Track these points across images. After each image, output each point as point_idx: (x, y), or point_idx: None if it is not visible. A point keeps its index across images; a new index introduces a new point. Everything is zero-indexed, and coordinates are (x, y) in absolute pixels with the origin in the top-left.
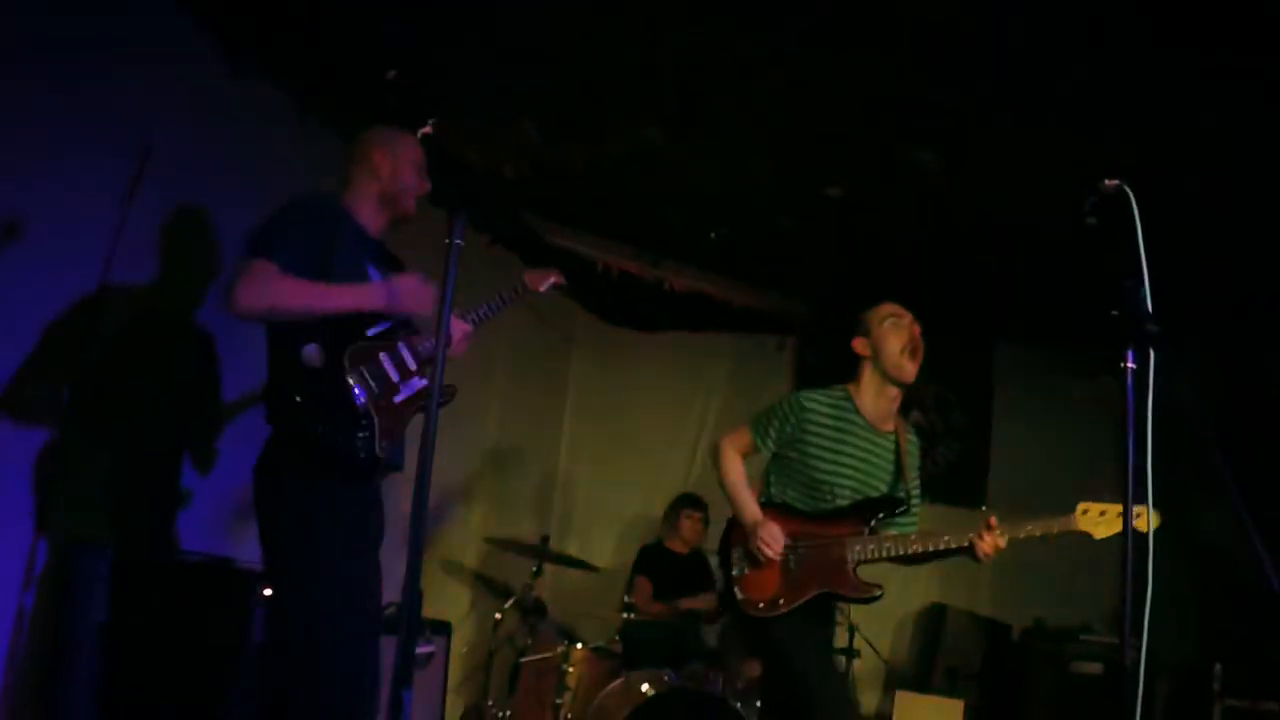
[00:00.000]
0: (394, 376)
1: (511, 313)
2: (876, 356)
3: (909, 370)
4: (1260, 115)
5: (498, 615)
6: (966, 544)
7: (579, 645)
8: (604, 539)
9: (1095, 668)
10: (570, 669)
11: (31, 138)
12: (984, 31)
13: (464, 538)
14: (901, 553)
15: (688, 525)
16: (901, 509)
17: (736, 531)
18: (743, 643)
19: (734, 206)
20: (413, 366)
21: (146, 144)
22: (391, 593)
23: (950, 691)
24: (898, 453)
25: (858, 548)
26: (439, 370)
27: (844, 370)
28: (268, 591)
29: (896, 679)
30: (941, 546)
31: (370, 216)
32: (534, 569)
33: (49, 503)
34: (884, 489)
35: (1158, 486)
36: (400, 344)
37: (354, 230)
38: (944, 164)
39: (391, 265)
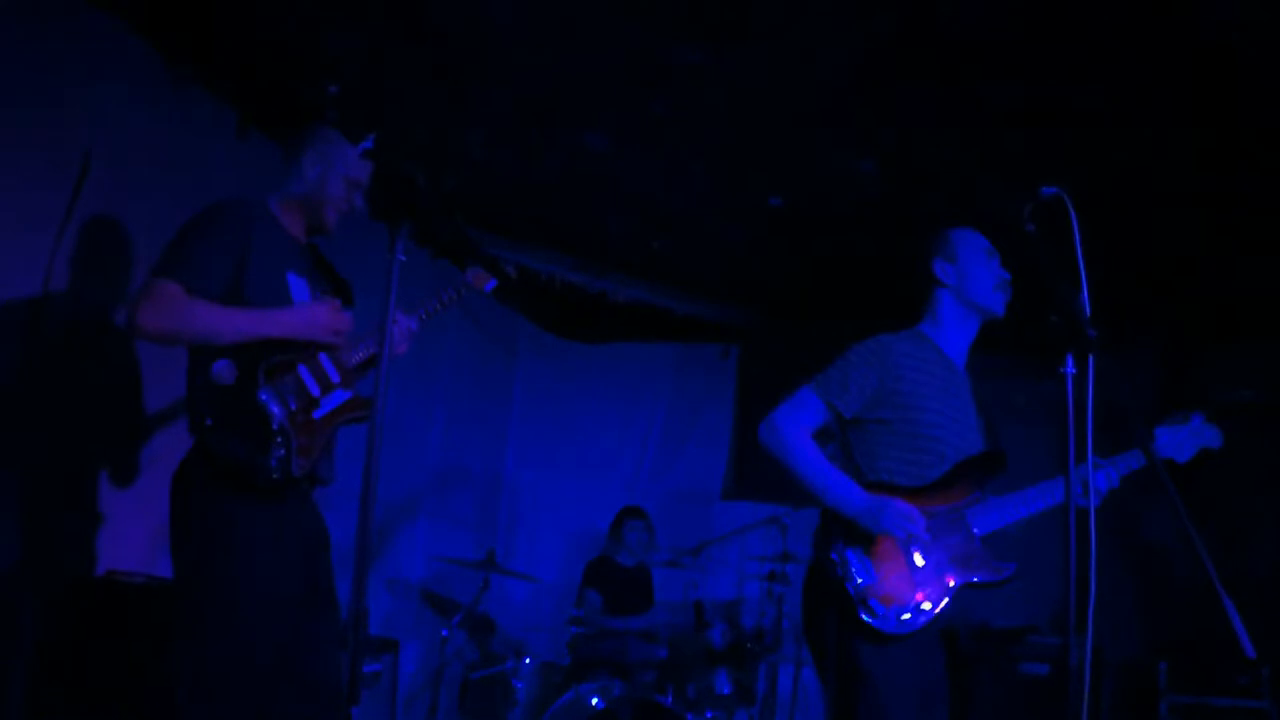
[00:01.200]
0: (314, 391)
1: (454, 325)
2: (963, 283)
3: (1002, 302)
4: (1198, 118)
5: (445, 631)
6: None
7: (528, 659)
8: (551, 552)
9: (1042, 669)
10: (520, 684)
11: None
12: (921, 39)
13: (409, 554)
14: (1025, 514)
15: (634, 537)
16: (1005, 466)
17: (837, 532)
18: (832, 660)
19: (675, 216)
20: (335, 379)
21: (86, 155)
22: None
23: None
24: (978, 402)
25: (981, 518)
26: (383, 381)
27: (787, 380)
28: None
29: None
30: (1063, 496)
31: (293, 220)
32: (481, 584)
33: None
34: (978, 441)
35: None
36: (321, 355)
37: (275, 234)
38: (883, 171)
39: (323, 270)
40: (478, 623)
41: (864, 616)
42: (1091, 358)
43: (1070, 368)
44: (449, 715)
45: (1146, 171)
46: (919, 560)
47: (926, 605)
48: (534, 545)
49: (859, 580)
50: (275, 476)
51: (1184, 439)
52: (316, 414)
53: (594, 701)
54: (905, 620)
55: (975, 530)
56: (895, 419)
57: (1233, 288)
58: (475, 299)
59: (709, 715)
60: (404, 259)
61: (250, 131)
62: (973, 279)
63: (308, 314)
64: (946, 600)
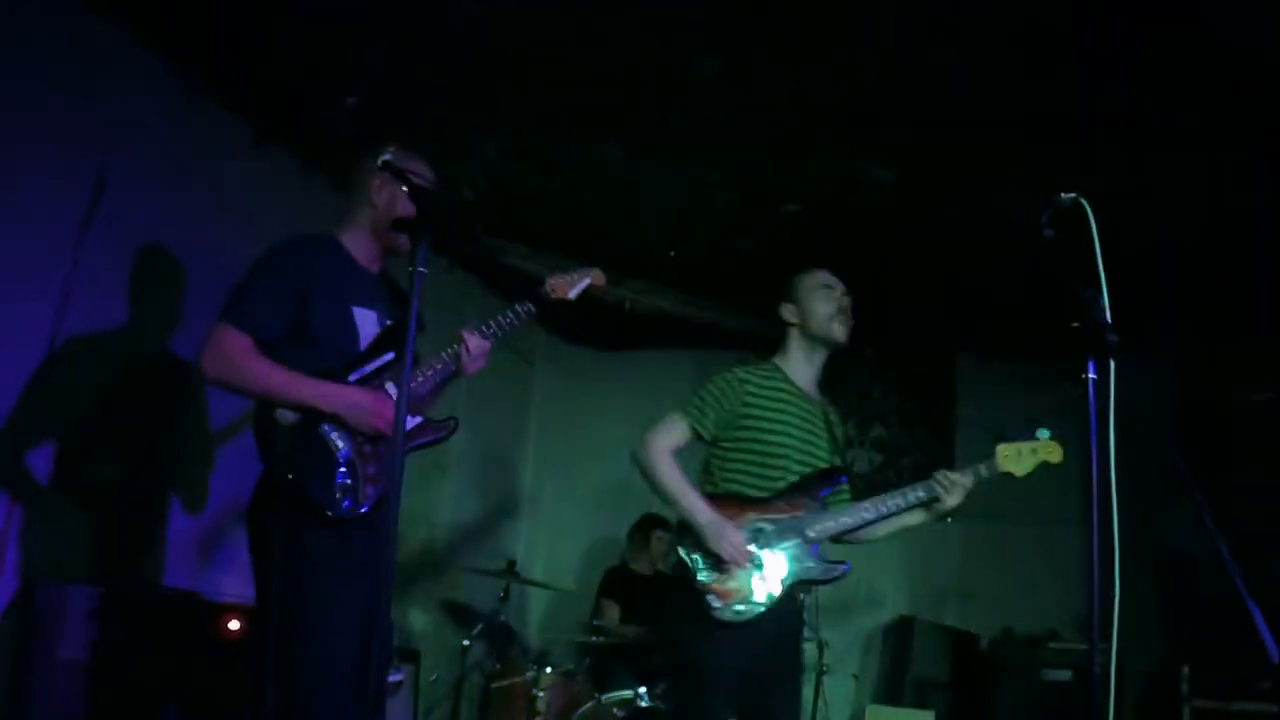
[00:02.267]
0: (379, 426)
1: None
2: (804, 322)
3: (838, 331)
4: (1218, 120)
5: (465, 641)
6: (921, 495)
7: (549, 669)
8: (571, 561)
9: (1064, 675)
10: (540, 693)
11: None
12: (939, 47)
13: (429, 563)
14: (859, 522)
15: (658, 546)
16: (845, 479)
17: (690, 537)
18: (672, 649)
19: (692, 224)
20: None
21: (101, 172)
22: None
23: (921, 704)
24: (828, 423)
25: (816, 526)
26: (403, 401)
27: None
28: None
29: (866, 694)
30: (899, 503)
31: (363, 248)
32: (501, 593)
33: (8, 537)
34: (825, 460)
35: (1121, 492)
36: (389, 384)
37: (342, 266)
38: (901, 179)
39: (395, 298)
40: (498, 632)
41: (706, 607)
42: (1113, 362)
43: (1092, 373)
44: None
45: (1165, 174)
46: (757, 561)
47: (760, 599)
48: (553, 554)
49: (701, 577)
50: (344, 507)
51: (1024, 453)
52: (366, 448)
53: (615, 710)
54: (740, 611)
55: (811, 535)
56: (746, 439)
57: (1253, 287)
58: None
59: None
60: (424, 271)
61: (267, 145)
62: (811, 314)
63: (361, 402)
64: (779, 593)
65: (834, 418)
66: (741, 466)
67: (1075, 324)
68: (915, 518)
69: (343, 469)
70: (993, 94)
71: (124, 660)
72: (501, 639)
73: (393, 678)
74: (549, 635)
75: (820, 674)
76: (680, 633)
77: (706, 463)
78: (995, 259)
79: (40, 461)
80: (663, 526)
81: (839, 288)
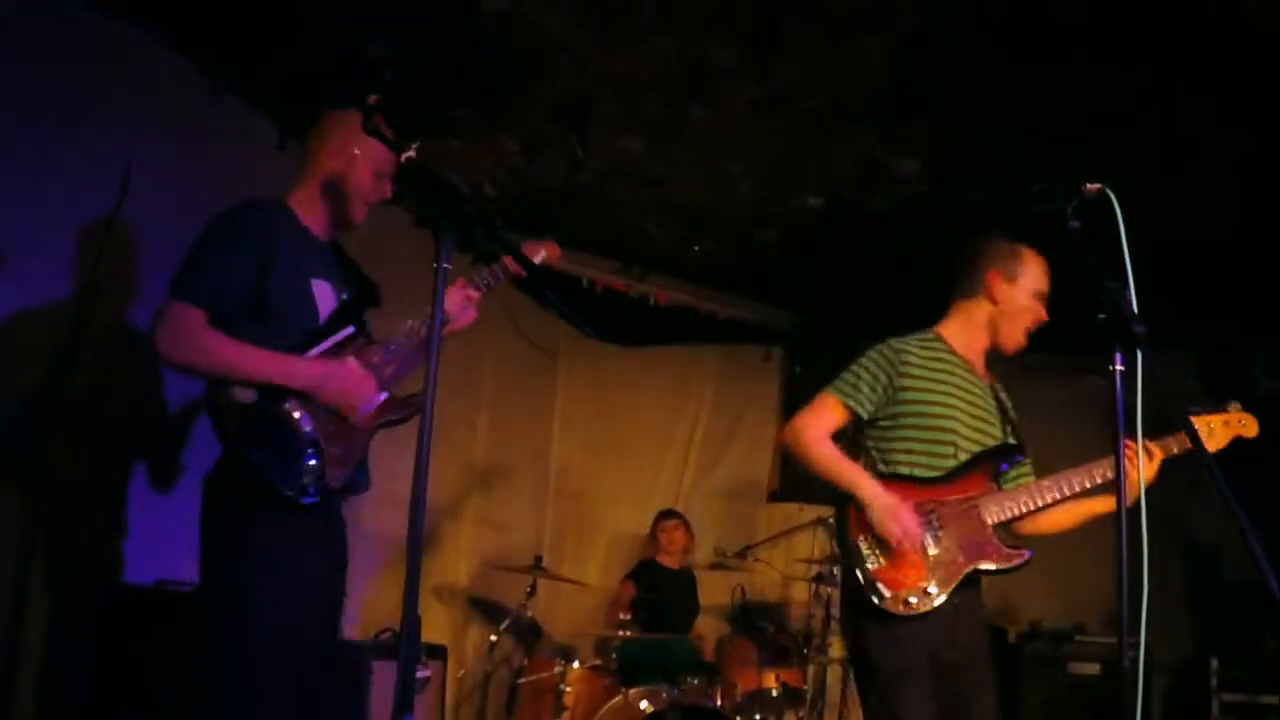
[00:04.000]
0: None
1: (496, 330)
2: (1003, 312)
3: (1017, 348)
4: (1243, 113)
5: (493, 637)
6: (1110, 475)
7: (576, 664)
8: (597, 556)
9: (1093, 668)
10: (568, 688)
11: (11, 165)
12: (963, 38)
13: (455, 559)
14: (1039, 505)
15: (665, 537)
16: (1024, 456)
17: (854, 520)
18: (854, 645)
19: (717, 218)
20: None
21: (126, 170)
22: (389, 619)
23: (987, 665)
24: (999, 399)
25: (994, 507)
26: (431, 387)
27: (831, 380)
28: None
29: None
30: (1079, 486)
31: (316, 215)
32: (528, 589)
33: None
34: (997, 436)
35: (1148, 485)
36: (350, 359)
37: (297, 237)
38: (925, 170)
39: (347, 269)
40: (525, 628)
41: (872, 599)
42: (1139, 354)
43: (1119, 364)
44: None
45: (1190, 165)
46: (930, 547)
47: (934, 589)
48: (580, 550)
49: (869, 565)
50: (309, 488)
51: (1215, 427)
52: (356, 417)
53: (642, 706)
54: (912, 603)
55: (988, 519)
56: (907, 415)
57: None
58: (517, 304)
59: (757, 718)
60: (449, 267)
61: (290, 143)
62: (1017, 313)
63: (335, 373)
64: (956, 584)
65: (1004, 397)
66: (905, 445)
67: (1101, 315)
68: (1107, 504)
69: (309, 450)
70: (1017, 84)
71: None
72: (528, 634)
73: (420, 674)
74: (576, 631)
75: (848, 664)
76: (855, 630)
77: (866, 448)
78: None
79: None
80: (668, 516)
81: (1046, 301)
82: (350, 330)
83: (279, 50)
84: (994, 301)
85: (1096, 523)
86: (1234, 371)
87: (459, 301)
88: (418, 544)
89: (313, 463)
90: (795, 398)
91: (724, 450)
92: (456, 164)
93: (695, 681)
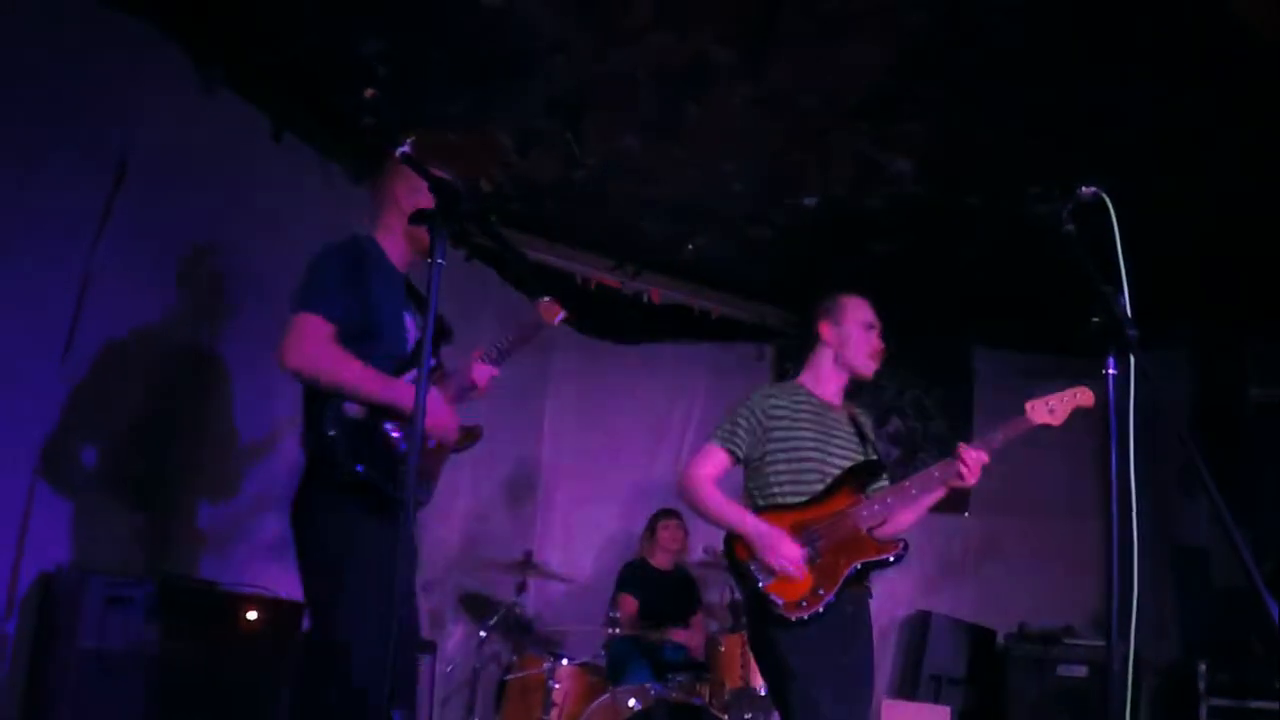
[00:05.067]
0: None
1: (487, 326)
2: (842, 349)
3: (870, 370)
4: (1238, 114)
5: (482, 633)
6: (954, 471)
7: (564, 661)
8: (587, 553)
9: (1080, 671)
10: (556, 685)
11: (4, 158)
12: (958, 39)
13: (445, 555)
14: (907, 499)
15: (666, 535)
16: (883, 470)
17: (739, 548)
18: (763, 657)
19: (711, 216)
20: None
21: (121, 165)
22: None
23: (936, 698)
24: (857, 424)
25: (865, 513)
26: (422, 388)
27: None
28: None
29: (882, 688)
30: (936, 480)
31: (398, 252)
32: (517, 585)
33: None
34: (857, 458)
35: (1140, 488)
36: (434, 390)
37: (385, 268)
38: (919, 171)
39: (417, 301)
40: (514, 624)
41: (772, 610)
42: (1133, 357)
43: (1111, 368)
44: (485, 716)
45: (1184, 168)
46: (814, 557)
47: (822, 590)
48: (570, 547)
49: (760, 584)
50: (394, 498)
51: (1056, 406)
52: (431, 442)
53: (631, 703)
54: (804, 607)
55: (860, 524)
56: (776, 451)
57: (1274, 283)
58: (508, 300)
59: (746, 717)
60: (443, 263)
61: (286, 136)
62: (850, 345)
63: (432, 405)
64: (842, 582)
65: (864, 419)
66: (777, 478)
67: (1095, 319)
68: (935, 497)
69: (402, 465)
70: (1013, 85)
71: (142, 649)
72: (518, 631)
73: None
74: (565, 627)
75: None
76: (765, 638)
77: (746, 487)
78: (1014, 251)
79: (58, 450)
80: (668, 515)
81: (878, 327)
82: (434, 362)
83: (274, 43)
84: (830, 344)
85: (1090, 525)
86: (1225, 379)
87: (486, 378)
88: (410, 544)
89: (399, 483)
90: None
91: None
92: (452, 159)
93: (683, 680)
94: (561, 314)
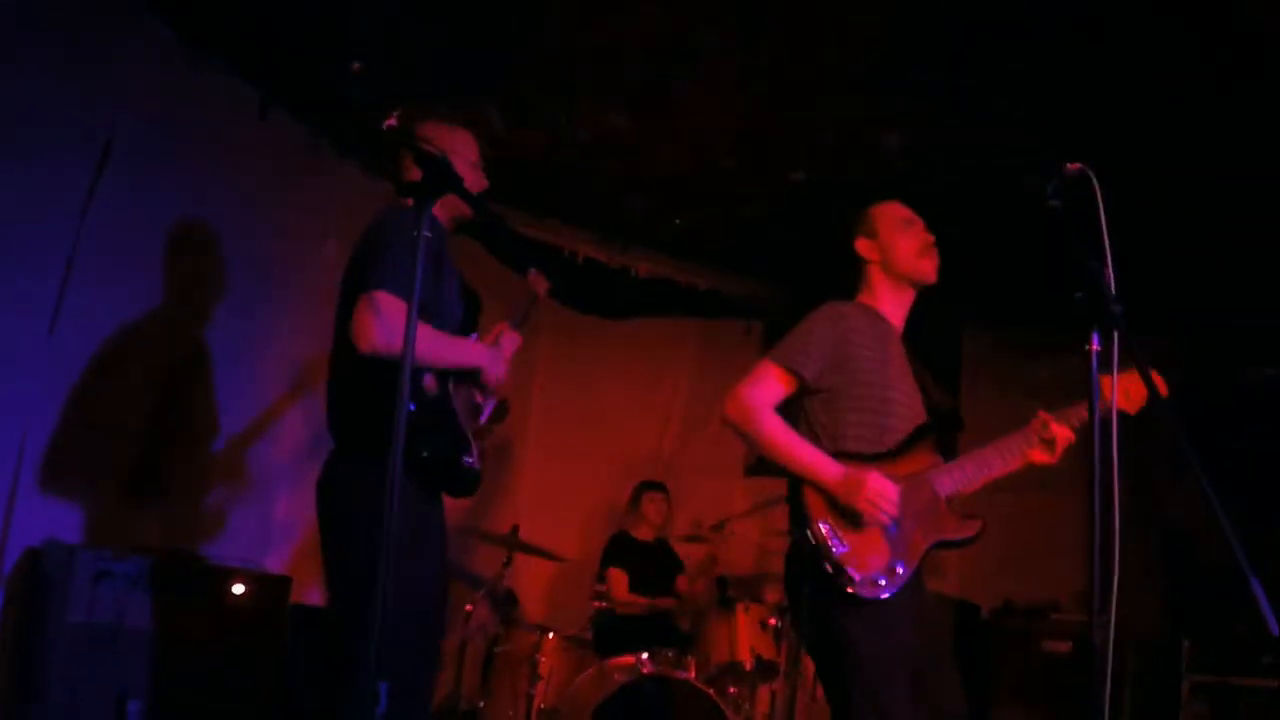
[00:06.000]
0: (478, 400)
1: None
2: (888, 258)
3: (928, 269)
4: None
5: (469, 606)
6: (1037, 443)
7: (551, 634)
8: (574, 527)
9: (1064, 646)
10: (543, 658)
11: None
12: (948, 13)
13: None
14: (986, 477)
15: (651, 508)
16: (961, 426)
17: (812, 503)
18: (823, 640)
19: (699, 191)
20: (483, 393)
21: (106, 141)
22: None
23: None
24: (911, 359)
25: (946, 480)
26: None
27: None
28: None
29: None
30: (1017, 456)
31: (440, 218)
32: (504, 559)
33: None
34: (919, 403)
35: (1125, 465)
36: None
37: (439, 242)
38: (907, 146)
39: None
40: (501, 597)
41: (844, 586)
42: (1116, 334)
43: (1095, 344)
44: (472, 690)
45: (1175, 147)
46: (890, 526)
47: (901, 568)
48: (557, 520)
49: (835, 552)
50: (469, 475)
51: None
52: (480, 420)
53: (616, 676)
54: (882, 584)
55: (940, 492)
56: (853, 383)
57: (1261, 263)
58: (495, 276)
59: (732, 690)
60: (429, 235)
61: (273, 111)
62: (896, 249)
63: (498, 353)
64: (919, 561)
65: (916, 359)
66: (854, 419)
67: (1079, 295)
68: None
69: (464, 442)
70: (1001, 61)
71: (130, 624)
72: (505, 604)
73: None
74: (552, 601)
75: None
76: (829, 622)
77: (806, 419)
78: (1003, 227)
79: (45, 427)
80: (653, 488)
81: (919, 223)
82: (475, 336)
83: (261, 17)
84: (875, 257)
85: (1077, 501)
86: (1216, 359)
87: (515, 346)
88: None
89: (469, 456)
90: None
91: (703, 423)
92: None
93: (670, 653)
94: (547, 284)
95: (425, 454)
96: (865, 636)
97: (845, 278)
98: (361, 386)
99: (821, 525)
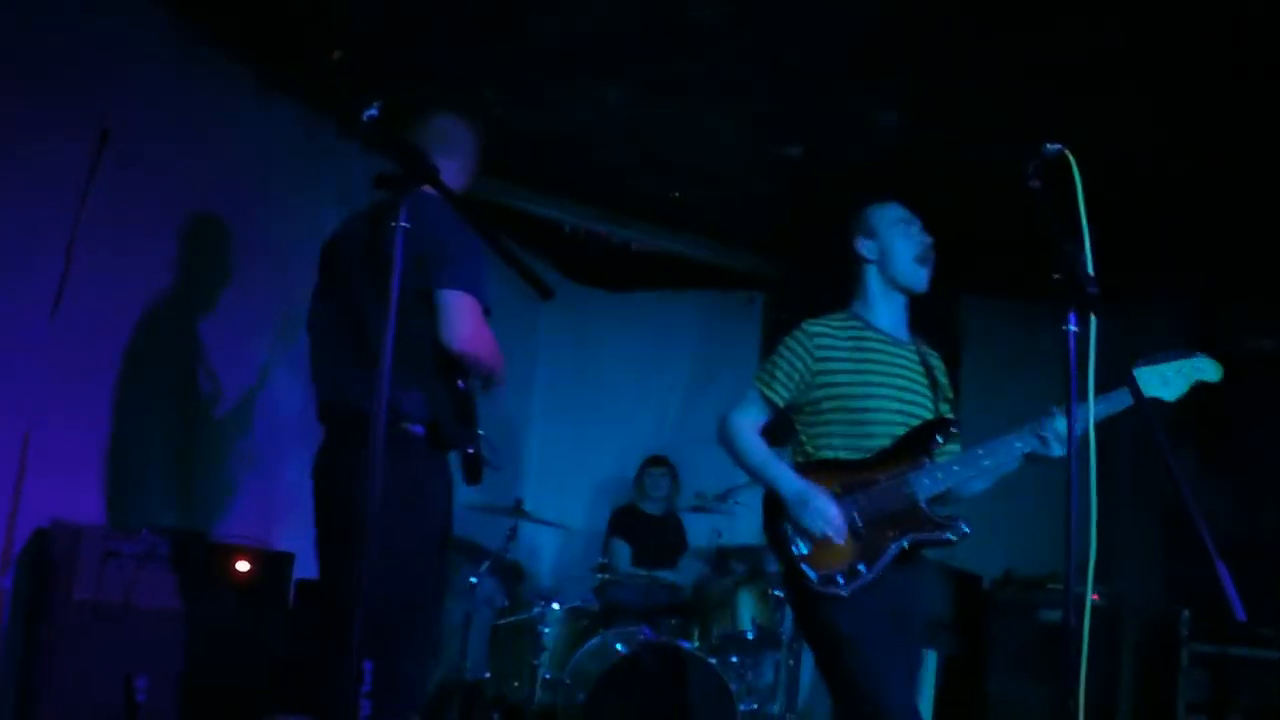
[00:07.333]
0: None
1: None
2: (884, 261)
3: (923, 277)
4: (1223, 71)
5: (473, 579)
6: (1039, 438)
7: (556, 605)
8: (578, 500)
9: (1059, 615)
10: (547, 630)
11: None
12: None
13: None
14: (972, 474)
15: (651, 483)
16: (955, 429)
17: (779, 510)
18: (805, 634)
19: (698, 167)
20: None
21: (104, 126)
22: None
23: (926, 644)
24: (928, 368)
25: (925, 481)
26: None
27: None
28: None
29: None
30: (1017, 452)
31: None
32: (509, 530)
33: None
34: (928, 408)
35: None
36: None
37: None
38: (905, 122)
39: None
40: (506, 569)
41: (804, 584)
42: (1094, 315)
43: (1073, 325)
44: (478, 660)
45: (1172, 125)
46: (860, 525)
47: (861, 568)
48: (561, 493)
49: (794, 551)
50: (484, 467)
51: (1170, 375)
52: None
53: (619, 646)
54: (840, 584)
55: (919, 493)
56: (829, 397)
57: (1257, 238)
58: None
59: (734, 660)
60: (407, 225)
61: (271, 94)
62: (893, 252)
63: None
64: (887, 559)
65: (934, 361)
66: (828, 430)
67: (1057, 275)
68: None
69: (480, 430)
70: (998, 37)
71: (137, 601)
72: (509, 576)
73: None
74: (556, 573)
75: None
76: (802, 614)
77: (799, 436)
78: (1000, 201)
79: (50, 409)
80: (656, 463)
81: (917, 224)
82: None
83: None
84: (871, 260)
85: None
86: (1213, 329)
87: None
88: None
89: (487, 444)
90: (777, 343)
91: (706, 395)
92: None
93: (673, 623)
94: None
95: (470, 450)
96: (833, 623)
97: (843, 278)
98: (425, 377)
99: (786, 527)
